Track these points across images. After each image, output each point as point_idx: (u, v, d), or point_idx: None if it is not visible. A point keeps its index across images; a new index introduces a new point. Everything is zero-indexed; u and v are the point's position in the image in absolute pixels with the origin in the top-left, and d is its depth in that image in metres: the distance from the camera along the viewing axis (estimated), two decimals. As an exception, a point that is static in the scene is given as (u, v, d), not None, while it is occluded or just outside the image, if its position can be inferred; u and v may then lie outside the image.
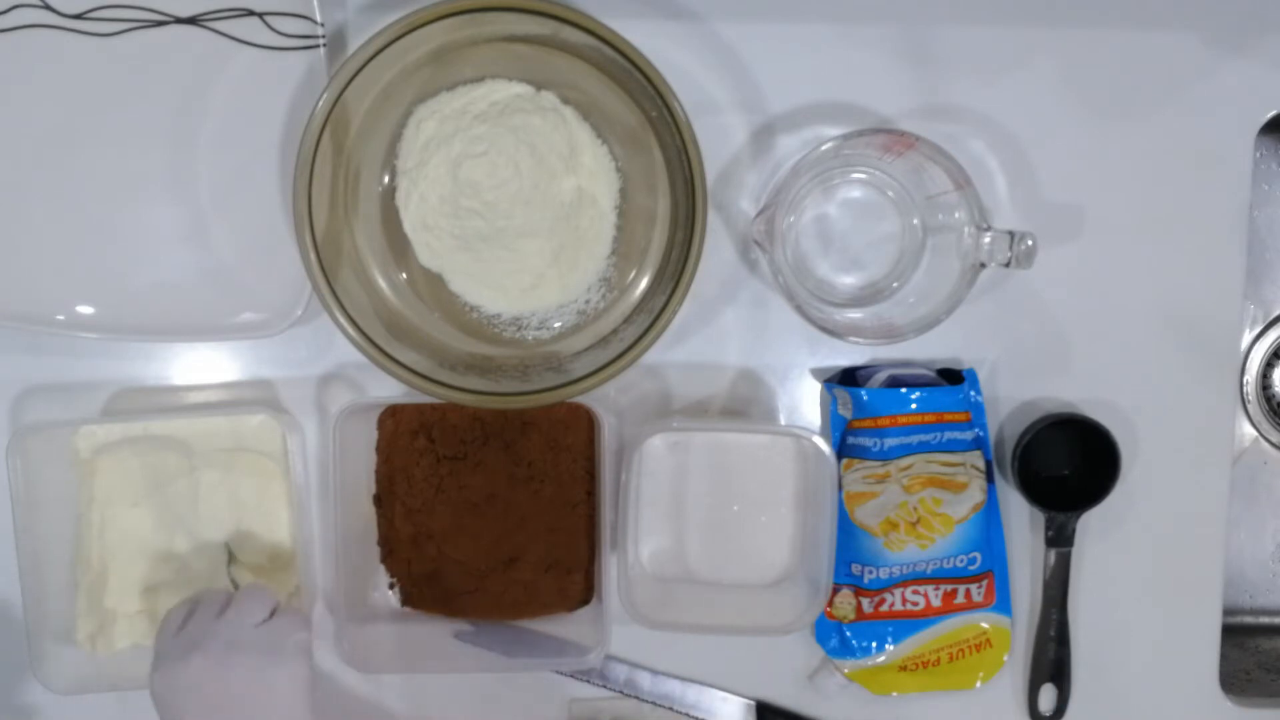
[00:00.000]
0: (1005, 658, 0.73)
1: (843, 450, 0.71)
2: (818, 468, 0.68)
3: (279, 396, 0.72)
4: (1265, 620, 0.90)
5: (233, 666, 0.59)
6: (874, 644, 0.72)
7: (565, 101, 0.67)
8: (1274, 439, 0.89)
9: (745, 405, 0.73)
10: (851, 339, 0.66)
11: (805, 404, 0.73)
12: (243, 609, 0.62)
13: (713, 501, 0.71)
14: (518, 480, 0.70)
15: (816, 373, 0.73)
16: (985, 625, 0.72)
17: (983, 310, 0.72)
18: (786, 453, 0.71)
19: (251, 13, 0.67)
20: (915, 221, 0.69)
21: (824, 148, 0.62)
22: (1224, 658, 0.76)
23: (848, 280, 0.71)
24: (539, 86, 0.67)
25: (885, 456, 0.70)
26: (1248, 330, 0.89)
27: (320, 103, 0.60)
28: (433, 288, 0.69)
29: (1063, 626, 0.73)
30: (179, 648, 0.60)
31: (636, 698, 0.73)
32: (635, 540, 0.71)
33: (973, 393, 0.71)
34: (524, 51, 0.66)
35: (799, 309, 0.63)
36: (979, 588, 0.72)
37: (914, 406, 0.70)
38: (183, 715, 0.58)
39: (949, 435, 0.70)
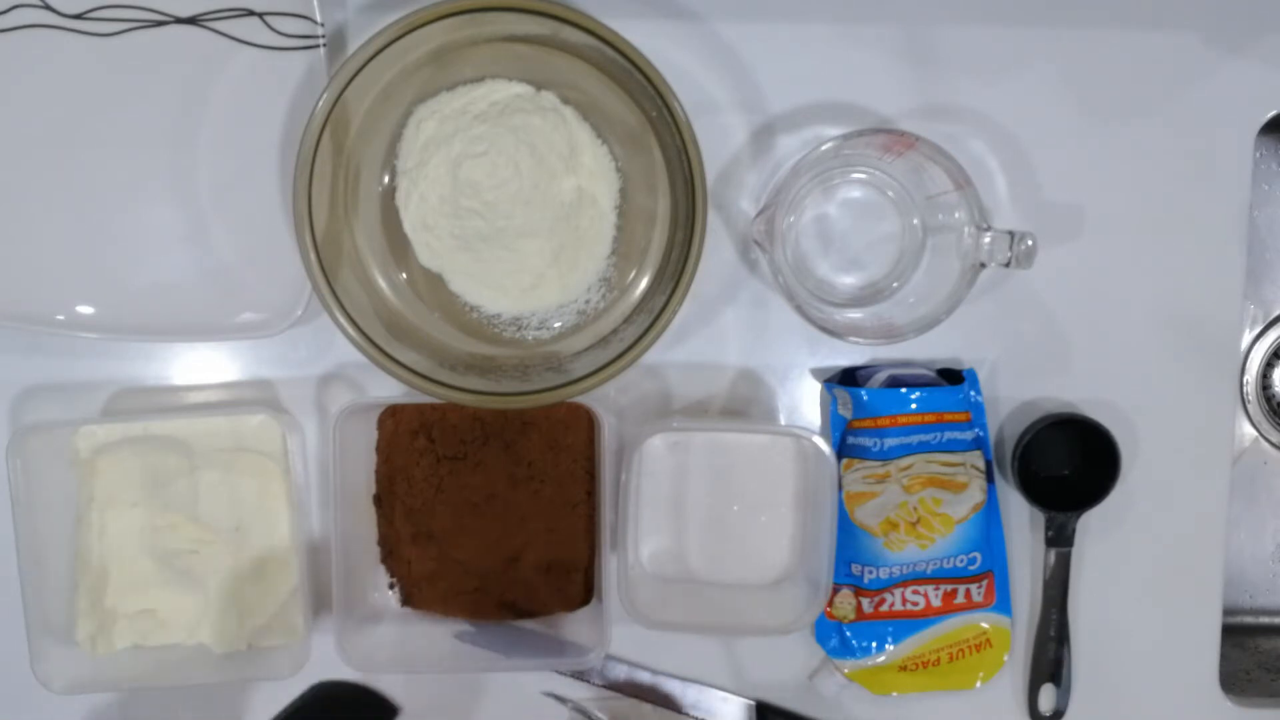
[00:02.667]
0: (1005, 658, 0.73)
1: (843, 450, 0.71)
2: (818, 468, 0.68)
3: (279, 396, 0.72)
4: (1265, 620, 0.90)
5: None
6: (874, 644, 0.72)
7: (565, 101, 0.67)
8: (1274, 439, 0.89)
9: (745, 405, 0.73)
10: (851, 339, 0.66)
11: (805, 404, 0.73)
12: None
13: (713, 501, 0.71)
14: (518, 480, 0.70)
15: (816, 373, 0.73)
16: (985, 625, 0.72)
17: (983, 310, 0.72)
18: (786, 453, 0.71)
19: (251, 13, 0.67)
20: (915, 221, 0.69)
21: (824, 148, 0.62)
22: (1224, 658, 0.76)
23: (848, 280, 0.71)
24: (539, 86, 0.67)
25: (885, 456, 0.70)
26: (1248, 330, 0.89)
27: (320, 103, 0.60)
28: (433, 288, 0.69)
29: (1063, 626, 0.73)
30: None
31: (637, 698, 0.73)
32: (635, 540, 0.71)
33: (973, 393, 0.71)
34: (524, 51, 0.66)
35: (799, 309, 0.63)
36: (979, 588, 0.72)
37: (914, 406, 0.70)
38: None
39: (949, 435, 0.70)
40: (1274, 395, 0.89)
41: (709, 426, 0.71)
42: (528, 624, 0.72)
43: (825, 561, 0.67)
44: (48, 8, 0.67)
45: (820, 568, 0.67)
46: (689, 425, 0.71)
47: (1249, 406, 0.89)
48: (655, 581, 0.72)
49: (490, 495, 0.70)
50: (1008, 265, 0.60)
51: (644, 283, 0.69)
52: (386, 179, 0.67)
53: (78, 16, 0.67)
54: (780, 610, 0.69)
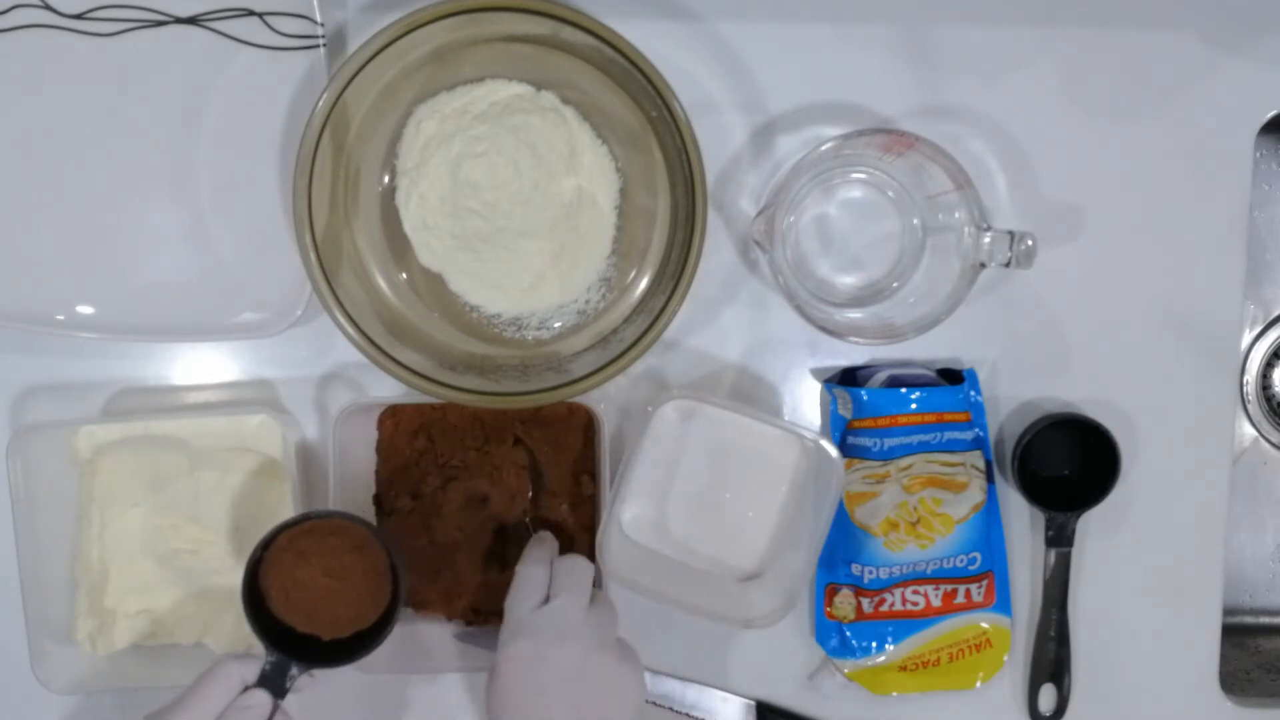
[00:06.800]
0: (1005, 658, 0.73)
1: (843, 450, 0.70)
2: (823, 473, 0.67)
3: (279, 396, 0.72)
4: (1265, 620, 0.90)
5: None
6: (874, 644, 0.72)
7: (565, 101, 0.67)
8: (1274, 439, 0.89)
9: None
10: (851, 339, 0.66)
11: (805, 404, 0.73)
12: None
13: (708, 483, 0.70)
14: (517, 480, 0.70)
15: (816, 373, 0.73)
16: (985, 625, 0.72)
17: (983, 310, 0.72)
18: (791, 453, 0.70)
19: (251, 13, 0.67)
20: (915, 221, 0.69)
21: (824, 148, 0.62)
22: (1224, 658, 0.76)
23: (848, 280, 0.71)
24: (539, 86, 0.67)
25: (885, 456, 0.70)
26: (1248, 330, 0.89)
27: (320, 103, 0.60)
28: (433, 288, 0.69)
29: (1063, 626, 0.73)
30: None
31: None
32: (622, 499, 0.69)
33: (973, 393, 0.71)
34: (524, 51, 0.66)
35: (799, 309, 0.63)
36: (979, 588, 0.72)
37: (914, 406, 0.70)
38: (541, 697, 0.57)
39: (949, 435, 0.70)
40: (1274, 395, 0.89)
41: (727, 405, 0.69)
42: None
43: (805, 566, 0.67)
44: (48, 8, 0.67)
45: (796, 572, 0.67)
46: (707, 398, 0.69)
47: (1249, 406, 0.89)
48: (628, 544, 0.71)
49: (490, 495, 0.70)
50: (1008, 265, 0.60)
51: (644, 283, 0.69)
52: (386, 179, 0.68)
53: (78, 16, 0.67)
54: (745, 605, 0.69)
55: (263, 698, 0.58)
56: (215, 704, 0.57)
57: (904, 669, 0.72)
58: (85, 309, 0.69)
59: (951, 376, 0.72)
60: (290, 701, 0.60)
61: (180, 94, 0.68)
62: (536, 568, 0.62)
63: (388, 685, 0.74)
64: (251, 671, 0.59)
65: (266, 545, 0.62)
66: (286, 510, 0.70)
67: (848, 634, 0.72)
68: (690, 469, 0.70)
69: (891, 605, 0.71)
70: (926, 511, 0.70)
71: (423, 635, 0.71)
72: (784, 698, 0.74)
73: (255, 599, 0.62)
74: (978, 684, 0.73)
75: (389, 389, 0.70)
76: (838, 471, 0.65)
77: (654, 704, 0.73)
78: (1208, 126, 0.72)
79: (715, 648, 0.73)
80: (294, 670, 0.60)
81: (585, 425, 0.70)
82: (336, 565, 0.62)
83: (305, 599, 0.61)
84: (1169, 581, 0.75)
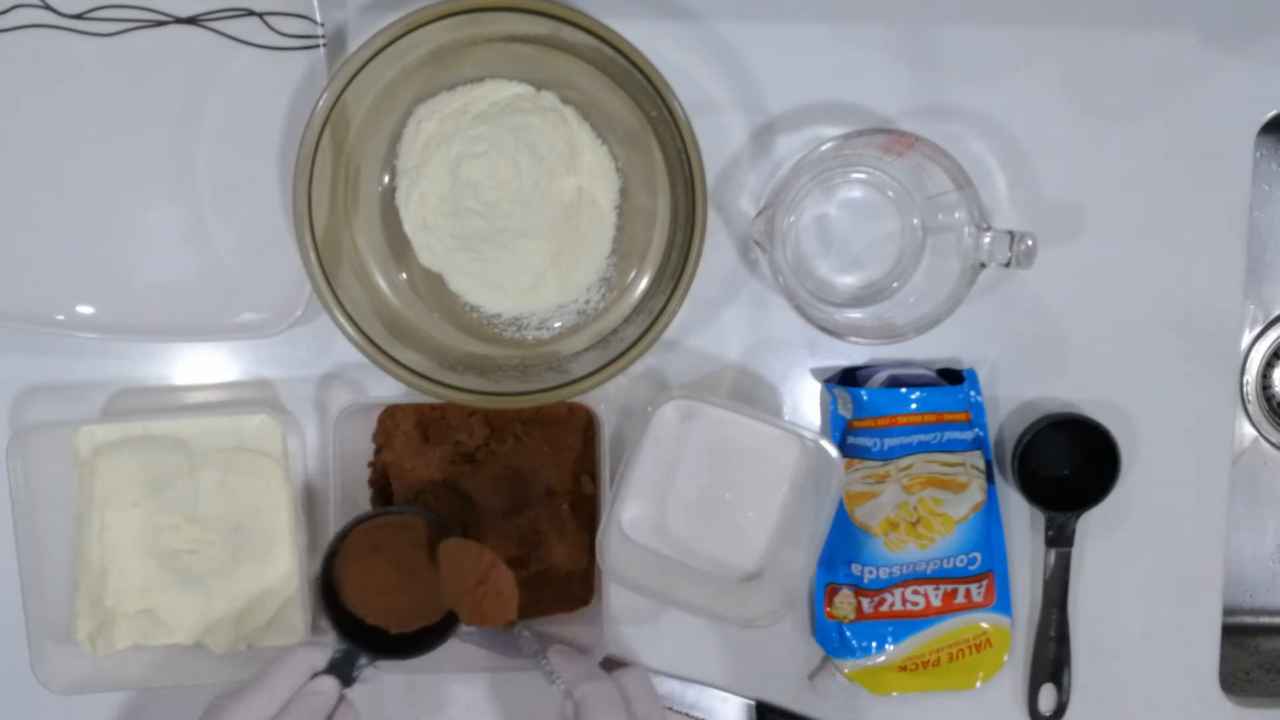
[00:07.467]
0: (1005, 658, 0.73)
1: (843, 450, 0.70)
2: (825, 475, 0.67)
3: (279, 396, 0.72)
4: (1265, 620, 0.90)
5: None
6: (874, 644, 0.72)
7: (565, 101, 0.67)
8: (1274, 439, 0.89)
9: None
10: (851, 339, 0.66)
11: (805, 404, 0.73)
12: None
13: (708, 483, 0.70)
14: (518, 481, 0.70)
15: (816, 373, 0.73)
16: (985, 625, 0.72)
17: (983, 310, 0.72)
18: (791, 453, 0.70)
19: (251, 13, 0.67)
20: (915, 221, 0.69)
21: (824, 148, 0.62)
22: (1224, 658, 0.76)
23: (848, 280, 0.71)
24: (539, 86, 0.67)
25: (885, 456, 0.70)
26: (1248, 330, 0.89)
27: (320, 103, 0.60)
28: (433, 288, 0.69)
29: (1063, 626, 0.73)
30: None
31: (636, 698, 0.73)
32: (623, 499, 0.69)
33: (973, 393, 0.71)
34: (524, 51, 0.66)
35: (799, 309, 0.63)
36: (979, 588, 0.72)
37: (914, 406, 0.70)
38: None
39: (949, 435, 0.70)
40: (1274, 395, 0.89)
41: (727, 405, 0.69)
42: (528, 624, 0.72)
43: (805, 566, 0.66)
44: (48, 8, 0.67)
45: (796, 572, 0.67)
46: (707, 398, 0.69)
47: (1249, 406, 0.89)
48: (628, 544, 0.71)
49: (490, 495, 0.70)
50: (1008, 265, 0.60)
51: (644, 283, 0.69)
52: (386, 179, 0.68)
53: (78, 16, 0.67)
54: (745, 605, 0.69)
55: (331, 684, 0.60)
56: (287, 687, 0.59)
57: (904, 669, 0.72)
58: (85, 309, 0.69)
59: (951, 376, 0.72)
60: (355, 690, 0.62)
61: (180, 94, 0.68)
62: (600, 683, 0.63)
63: (389, 685, 0.74)
64: (321, 659, 0.61)
65: (343, 537, 0.64)
66: (286, 510, 0.70)
67: (848, 634, 0.72)
68: (690, 469, 0.70)
69: (891, 605, 0.71)
70: (926, 511, 0.70)
71: (423, 635, 0.71)
72: (784, 698, 0.74)
73: (329, 589, 0.63)
74: (978, 684, 0.73)
75: (389, 389, 0.70)
76: (838, 471, 0.65)
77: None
78: (1208, 126, 0.72)
79: (715, 648, 0.73)
80: (362, 660, 0.62)
81: (585, 425, 0.70)
82: (407, 560, 0.63)
83: (376, 592, 0.63)
84: (1169, 581, 0.75)
